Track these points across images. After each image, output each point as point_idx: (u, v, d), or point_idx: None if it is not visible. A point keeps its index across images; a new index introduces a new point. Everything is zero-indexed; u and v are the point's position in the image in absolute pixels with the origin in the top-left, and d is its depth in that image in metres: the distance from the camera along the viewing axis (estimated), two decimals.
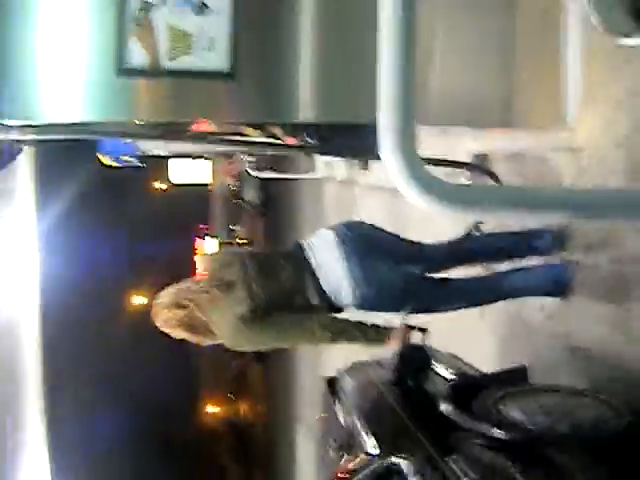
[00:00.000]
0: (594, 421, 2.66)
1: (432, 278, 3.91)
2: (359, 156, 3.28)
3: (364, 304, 3.64)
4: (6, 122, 3.10)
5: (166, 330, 3.70)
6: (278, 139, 3.45)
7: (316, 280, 3.61)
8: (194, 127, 3.53)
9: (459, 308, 3.88)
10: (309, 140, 3.30)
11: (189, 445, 41.25)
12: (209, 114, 3.13)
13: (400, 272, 3.78)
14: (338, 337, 3.55)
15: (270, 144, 3.46)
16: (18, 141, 3.87)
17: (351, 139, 3.18)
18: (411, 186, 2.05)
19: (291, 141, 3.38)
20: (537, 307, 4.24)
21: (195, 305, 3.61)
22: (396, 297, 3.63)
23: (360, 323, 3.57)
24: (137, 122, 3.33)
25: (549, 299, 4.03)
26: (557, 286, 3.88)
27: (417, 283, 3.80)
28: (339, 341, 3.56)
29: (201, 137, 3.63)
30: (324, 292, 3.61)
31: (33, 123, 3.15)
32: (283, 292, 3.61)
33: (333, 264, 3.61)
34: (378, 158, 2.18)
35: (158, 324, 3.70)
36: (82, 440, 26.35)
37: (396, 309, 3.60)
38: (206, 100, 3.07)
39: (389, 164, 2.06)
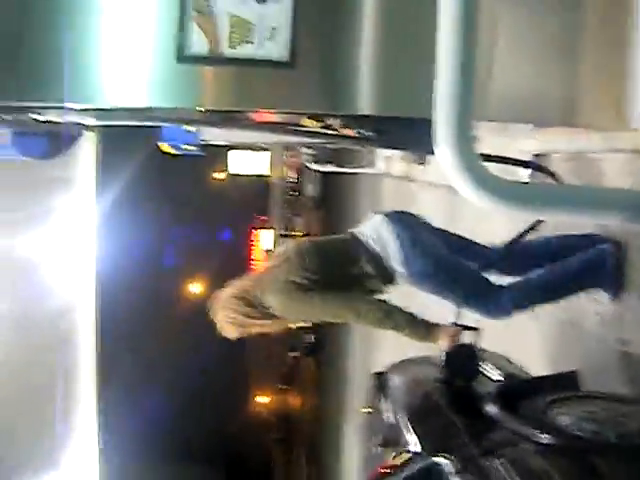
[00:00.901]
0: None
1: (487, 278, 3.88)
2: (416, 150, 3.23)
3: (416, 273, 3.69)
4: (66, 105, 3.13)
5: (224, 328, 3.79)
6: (335, 131, 3.43)
7: (369, 250, 3.72)
8: (254, 116, 3.53)
9: (510, 309, 3.83)
10: (365, 132, 3.28)
11: (238, 435, 41.62)
12: (267, 103, 3.13)
13: (454, 256, 3.81)
14: (385, 320, 3.56)
15: (327, 134, 3.44)
16: (78, 124, 3.91)
17: (408, 133, 3.14)
18: (463, 180, 2.03)
19: (348, 133, 3.36)
20: (591, 312, 4.16)
21: (252, 285, 3.74)
22: (450, 273, 3.70)
23: (411, 314, 3.58)
24: (197, 109, 3.34)
25: (604, 301, 3.95)
26: (604, 270, 3.81)
27: (471, 272, 3.80)
28: (386, 325, 3.58)
29: (260, 126, 3.63)
30: (377, 258, 3.70)
31: (93, 107, 3.18)
32: (335, 263, 3.75)
33: (386, 237, 3.71)
34: (433, 153, 2.17)
35: (217, 321, 3.79)
36: (132, 425, 26.72)
37: (449, 289, 3.67)
38: (265, 89, 3.07)
39: (442, 158, 2.04)
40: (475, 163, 2.04)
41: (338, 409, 20.22)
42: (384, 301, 3.69)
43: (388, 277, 3.74)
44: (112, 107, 3.15)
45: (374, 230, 3.81)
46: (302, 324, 3.93)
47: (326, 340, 28.77)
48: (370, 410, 4.39)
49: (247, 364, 42.43)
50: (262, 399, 48.65)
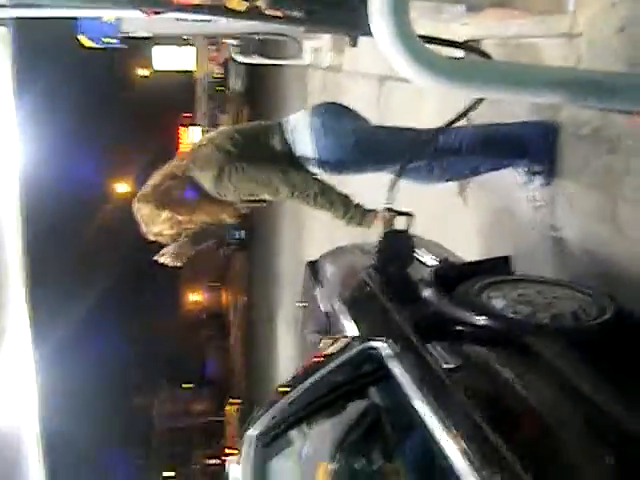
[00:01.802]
0: (575, 312, 2.62)
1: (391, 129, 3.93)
2: (348, 31, 3.12)
3: (327, 162, 3.69)
4: None
5: (147, 222, 3.68)
6: (263, 12, 3.28)
7: (284, 138, 3.72)
8: None
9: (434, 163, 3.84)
10: (296, 13, 3.15)
11: (173, 333, 41.99)
12: None
13: (360, 127, 3.81)
14: (322, 198, 3.55)
15: (254, 16, 3.30)
16: None
17: (340, 12, 3.03)
18: (401, 56, 1.94)
19: (276, 14, 3.21)
20: (523, 199, 4.17)
21: (179, 165, 3.68)
22: (357, 147, 3.69)
23: (346, 197, 3.56)
24: None
25: (536, 188, 3.97)
26: (541, 141, 3.82)
27: (375, 133, 3.81)
28: (322, 203, 3.56)
29: (186, 8, 3.46)
30: (289, 147, 3.71)
31: None
32: (259, 144, 3.70)
33: (301, 128, 3.71)
34: (367, 33, 2.06)
35: (141, 216, 3.68)
36: (64, 332, 26.65)
37: (358, 164, 3.71)
38: None
39: (379, 33, 1.94)
40: (412, 38, 1.94)
41: (269, 303, 20.44)
42: (320, 180, 3.66)
43: (299, 165, 3.70)
44: None
45: (295, 120, 3.79)
46: (227, 214, 3.81)
47: (256, 235, 28.85)
48: (305, 303, 4.39)
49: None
50: (193, 297, 48.96)
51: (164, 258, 3.76)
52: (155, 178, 3.69)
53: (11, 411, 15.30)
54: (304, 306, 4.45)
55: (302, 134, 3.69)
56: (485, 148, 3.83)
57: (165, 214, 3.62)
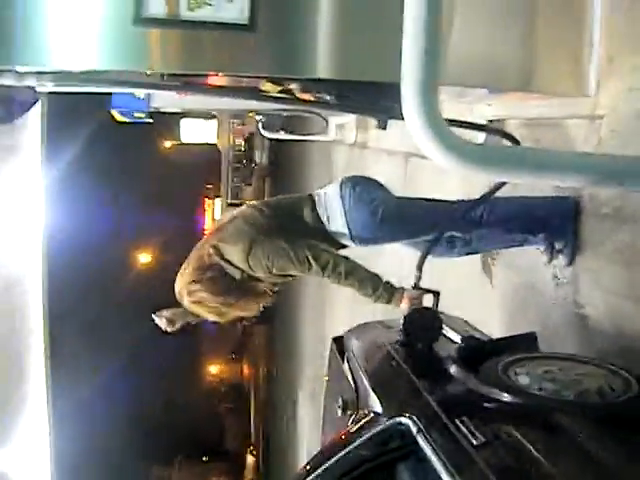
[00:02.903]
0: (601, 389, 2.65)
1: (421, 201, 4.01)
2: (378, 115, 3.22)
3: (359, 235, 3.76)
4: (18, 69, 3.06)
5: (195, 305, 3.72)
6: (295, 95, 3.40)
7: (315, 211, 3.78)
8: (209, 80, 3.48)
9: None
10: (325, 96, 3.26)
11: (192, 405, 41.62)
12: (226, 66, 3.08)
13: (390, 199, 3.89)
14: (350, 276, 3.58)
15: (287, 99, 3.41)
16: (32, 90, 3.83)
17: (370, 97, 3.14)
18: (432, 142, 2.02)
19: (307, 97, 3.33)
20: (549, 275, 4.22)
21: (209, 245, 3.69)
22: (389, 220, 3.76)
23: (375, 275, 3.60)
24: (149, 73, 3.28)
25: (559, 265, 4.02)
26: (562, 217, 3.89)
27: (412, 205, 3.89)
28: (350, 281, 3.59)
29: (217, 91, 3.58)
30: (320, 221, 3.77)
31: (45, 70, 3.10)
32: (290, 217, 3.77)
33: (331, 199, 3.78)
34: (397, 117, 2.15)
35: (186, 302, 3.72)
36: (83, 397, 26.53)
37: (389, 236, 3.79)
38: (224, 52, 3.02)
39: (409, 120, 2.03)
40: (442, 125, 2.03)
41: (290, 378, 20.31)
42: (348, 258, 3.71)
43: (330, 240, 3.78)
44: (65, 70, 3.08)
45: (325, 192, 3.87)
46: (269, 285, 3.84)
47: (277, 309, 28.81)
48: (329, 377, 4.41)
49: (198, 334, 42.35)
50: (213, 369, 48.69)
51: (159, 320, 3.77)
52: (189, 270, 3.73)
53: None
54: (329, 381, 4.48)
55: (333, 207, 3.75)
56: (507, 223, 3.91)
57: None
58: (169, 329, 3.80)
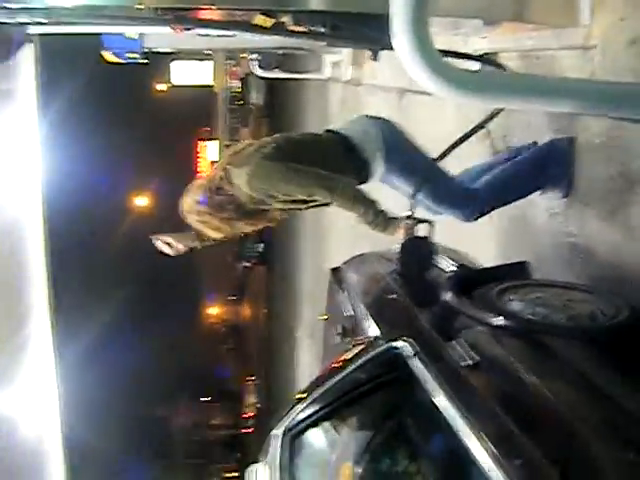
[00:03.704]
0: (591, 313, 2.71)
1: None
2: (370, 45, 3.23)
3: (395, 164, 3.80)
4: (10, 5, 3.05)
5: (197, 223, 3.73)
6: (287, 28, 3.40)
7: (348, 141, 3.78)
8: (200, 14, 3.47)
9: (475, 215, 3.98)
10: (319, 29, 3.26)
11: (193, 346, 41.98)
12: None
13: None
14: (357, 202, 3.59)
15: (280, 31, 3.41)
16: (22, 28, 3.81)
17: (362, 28, 3.14)
18: (421, 68, 2.05)
19: (300, 29, 3.33)
20: (542, 207, 4.28)
21: (221, 165, 3.72)
22: (425, 172, 3.81)
23: (374, 202, 3.62)
24: (139, 6, 3.26)
25: (553, 197, 4.08)
26: (558, 159, 3.96)
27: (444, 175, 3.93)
28: (356, 207, 3.59)
29: (211, 24, 3.58)
30: (355, 149, 3.77)
31: (37, 6, 3.09)
32: (309, 145, 3.77)
33: (369, 129, 3.81)
34: (389, 47, 2.17)
35: (190, 218, 3.72)
36: (86, 343, 26.75)
37: (422, 187, 3.77)
38: None
39: (399, 47, 2.05)
40: (432, 53, 2.05)
41: (290, 317, 20.47)
42: (356, 185, 3.73)
43: (363, 170, 3.80)
44: (54, 6, 3.07)
45: (355, 126, 3.88)
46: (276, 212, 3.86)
47: (275, 249, 28.90)
48: (328, 307, 4.49)
49: (197, 276, 42.51)
50: (213, 310, 48.99)
51: (161, 244, 3.82)
52: (198, 188, 3.73)
53: (33, 419, 15.41)
54: (325, 318, 4.55)
55: (368, 135, 3.79)
56: (512, 181, 4.03)
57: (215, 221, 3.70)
58: (172, 253, 3.84)
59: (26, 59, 12.51)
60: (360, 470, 2.86)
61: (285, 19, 3.41)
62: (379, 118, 3.97)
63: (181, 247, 3.83)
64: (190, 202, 3.69)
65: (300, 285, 18.30)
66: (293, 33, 3.40)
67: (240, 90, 33.40)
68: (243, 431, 41.24)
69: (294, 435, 3.23)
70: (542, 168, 4.00)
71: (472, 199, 3.97)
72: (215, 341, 47.52)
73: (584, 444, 2.03)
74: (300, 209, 3.91)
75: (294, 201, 3.74)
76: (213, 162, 31.29)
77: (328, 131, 3.91)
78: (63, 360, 17.59)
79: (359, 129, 3.83)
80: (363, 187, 3.78)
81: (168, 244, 3.81)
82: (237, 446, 42.37)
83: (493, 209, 4.15)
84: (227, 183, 3.63)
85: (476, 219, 4.01)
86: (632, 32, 3.40)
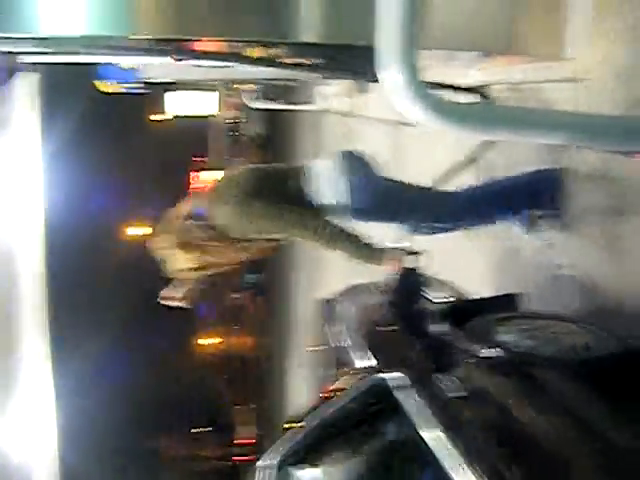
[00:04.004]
0: (579, 346, 2.72)
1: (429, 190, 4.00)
2: (359, 78, 3.26)
3: (358, 209, 3.75)
4: (2, 34, 3.06)
5: (166, 250, 3.70)
6: (279, 60, 3.43)
7: (311, 184, 3.75)
8: (195, 45, 3.50)
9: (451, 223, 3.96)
10: (310, 61, 3.29)
11: (185, 375, 41.74)
12: (210, 30, 3.11)
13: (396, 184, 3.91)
14: (335, 239, 3.59)
15: (271, 63, 3.44)
16: (17, 58, 3.83)
17: (352, 61, 3.17)
18: (408, 101, 2.06)
19: (291, 61, 3.36)
20: (531, 238, 4.28)
21: (196, 202, 3.75)
22: (392, 199, 3.81)
23: (357, 237, 3.63)
24: (134, 37, 3.28)
25: (542, 229, 4.09)
26: (546, 188, 3.96)
27: (413, 196, 3.89)
28: (335, 244, 3.60)
29: (202, 55, 3.60)
30: (317, 193, 3.74)
31: (31, 35, 3.11)
32: (279, 186, 3.73)
33: (333, 174, 3.76)
34: (375, 80, 2.19)
35: (157, 249, 3.71)
36: (82, 371, 26.63)
37: (392, 216, 3.78)
38: (208, 16, 3.05)
39: (385, 81, 2.06)
40: (419, 84, 2.07)
41: (285, 347, 20.40)
42: (332, 222, 3.72)
43: (315, 208, 3.76)
44: (47, 36, 3.08)
45: (322, 165, 3.86)
46: (248, 252, 3.83)
47: (271, 279, 28.87)
48: (316, 348, 4.47)
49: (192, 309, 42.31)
50: (208, 341, 48.79)
51: (172, 301, 3.77)
52: (171, 215, 3.74)
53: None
54: (315, 349, 4.53)
55: (325, 180, 3.76)
56: (494, 202, 3.99)
57: (184, 252, 3.66)
58: (187, 305, 3.79)
59: (25, 87, 12.61)
60: None
61: (277, 50, 3.44)
62: (347, 155, 3.93)
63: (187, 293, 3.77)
64: (166, 231, 3.70)
65: (296, 315, 18.25)
66: (284, 65, 3.43)
67: (236, 121, 33.56)
68: (235, 460, 40.87)
69: (280, 467, 3.20)
70: (527, 192, 3.99)
71: (447, 219, 3.97)
72: (210, 370, 47.26)
73: (572, 477, 2.02)
74: (281, 241, 3.92)
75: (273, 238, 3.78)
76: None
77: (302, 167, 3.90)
78: (58, 387, 17.51)
79: (320, 175, 3.80)
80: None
81: (173, 297, 3.77)
82: (231, 477, 41.99)
83: (470, 225, 4.16)
84: (207, 217, 3.64)
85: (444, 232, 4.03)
86: (617, 65, 3.44)
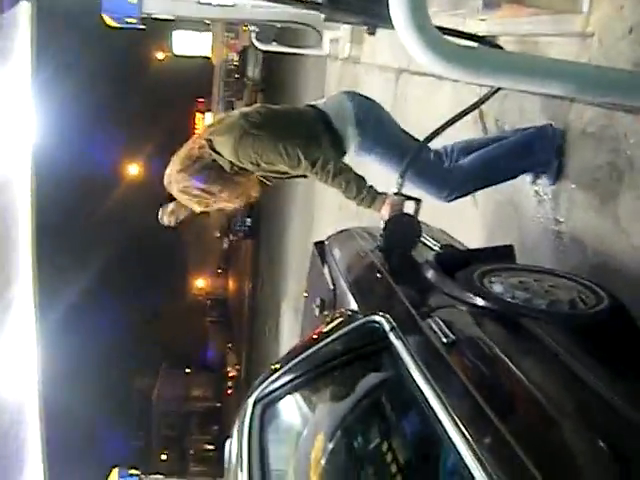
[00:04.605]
0: (572, 301, 2.71)
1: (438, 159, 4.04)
2: (368, 19, 3.21)
3: (369, 139, 3.82)
4: None
5: (181, 194, 3.72)
6: None
7: (325, 117, 3.82)
8: None
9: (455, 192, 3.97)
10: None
11: (177, 318, 42.05)
12: None
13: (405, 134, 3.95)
14: (340, 177, 3.59)
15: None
16: None
17: (362, 1, 3.12)
18: (417, 42, 2.03)
19: None
20: (531, 193, 4.28)
21: (202, 134, 3.74)
22: (399, 148, 3.83)
23: (360, 178, 3.62)
24: None
25: (541, 183, 4.09)
26: (547, 143, 3.96)
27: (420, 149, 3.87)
28: (339, 182, 3.59)
29: None
30: (331, 125, 3.80)
31: None
32: (289, 125, 3.76)
33: (344, 106, 3.85)
34: (386, 22, 2.15)
35: (174, 190, 3.72)
36: (70, 310, 26.74)
37: (398, 162, 3.75)
38: None
39: (398, 22, 2.04)
40: (428, 27, 2.04)
41: (276, 292, 20.51)
42: (339, 159, 3.76)
43: (339, 144, 3.81)
44: None
45: (332, 101, 3.93)
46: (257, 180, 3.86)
47: (263, 223, 28.91)
48: (309, 280, 4.49)
49: (184, 248, 42.52)
50: (199, 283, 49.07)
51: (163, 213, 3.82)
52: (178, 159, 3.72)
53: (13, 384, 15.42)
54: (310, 282, 4.54)
55: (342, 107, 3.83)
56: (494, 156, 3.97)
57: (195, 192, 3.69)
58: (172, 222, 3.84)
59: (23, 17, 12.42)
60: (333, 445, 2.85)
61: None
62: (357, 94, 4.01)
63: (180, 215, 3.83)
64: (172, 170, 3.69)
65: (287, 259, 18.32)
66: (291, 2, 3.37)
67: (237, 63, 33.29)
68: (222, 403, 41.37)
69: (265, 405, 3.22)
70: (529, 152, 3.99)
71: (452, 178, 3.97)
72: (200, 313, 47.60)
73: (556, 427, 2.03)
74: (282, 178, 3.92)
75: (276, 170, 3.77)
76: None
77: (309, 106, 3.93)
78: (45, 327, 17.60)
79: (335, 105, 3.87)
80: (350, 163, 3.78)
81: (171, 212, 3.81)
82: (216, 418, 42.54)
83: (475, 190, 4.15)
84: (208, 153, 3.64)
85: (454, 199, 4.02)
86: (630, 21, 3.39)
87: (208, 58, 29.86)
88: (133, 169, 37.90)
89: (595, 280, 2.93)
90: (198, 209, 3.80)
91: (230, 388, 41.60)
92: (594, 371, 2.25)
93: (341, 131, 3.80)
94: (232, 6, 8.81)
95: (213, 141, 3.65)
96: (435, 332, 2.45)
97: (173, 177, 3.70)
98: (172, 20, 12.20)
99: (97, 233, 34.19)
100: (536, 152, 3.97)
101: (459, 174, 3.97)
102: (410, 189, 3.68)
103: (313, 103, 3.96)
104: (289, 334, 15.07)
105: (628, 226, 3.39)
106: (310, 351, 3.02)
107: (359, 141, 3.84)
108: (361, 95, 4.02)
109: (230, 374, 42.96)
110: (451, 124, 3.70)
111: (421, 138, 3.80)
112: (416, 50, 2.04)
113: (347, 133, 3.81)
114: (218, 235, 43.02)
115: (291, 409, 3.26)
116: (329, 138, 3.77)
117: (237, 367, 40.81)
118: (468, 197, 4.30)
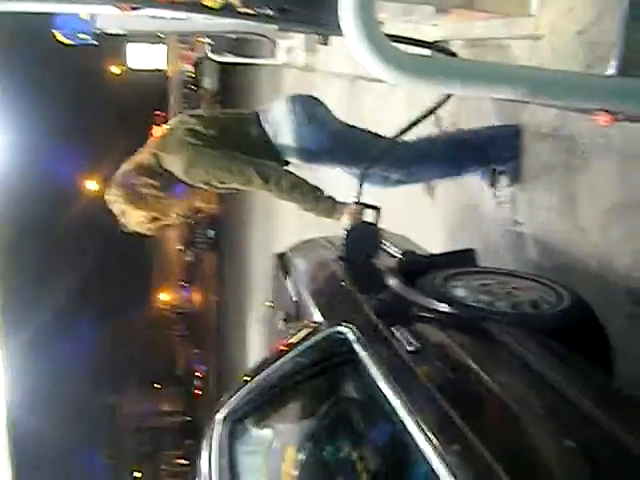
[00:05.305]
0: (534, 301, 2.74)
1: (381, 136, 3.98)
2: (319, 30, 3.21)
3: (308, 149, 3.76)
4: None
5: (119, 205, 3.65)
6: (236, 10, 3.36)
7: (261, 127, 3.78)
8: None
9: (407, 174, 3.95)
10: (268, 11, 3.23)
11: (143, 333, 41.72)
12: None
13: (335, 119, 3.91)
14: (293, 190, 3.57)
15: (228, 13, 3.37)
16: None
17: (311, 12, 3.11)
18: (368, 52, 2.03)
19: (248, 11, 3.29)
20: (489, 195, 4.30)
21: (149, 151, 3.67)
22: (347, 147, 3.81)
23: (317, 188, 3.61)
24: None
25: (500, 186, 4.11)
26: (504, 144, 3.97)
27: (365, 139, 3.87)
28: (293, 195, 3.57)
29: (160, 4, 3.52)
30: (267, 135, 3.76)
31: None
32: (232, 133, 3.73)
33: (281, 114, 3.78)
34: (337, 32, 2.15)
35: (112, 203, 3.66)
36: (34, 331, 26.43)
37: (346, 164, 3.77)
38: None
39: (349, 31, 2.03)
40: (379, 36, 2.03)
41: (240, 302, 20.45)
42: (292, 172, 3.71)
43: (273, 155, 3.77)
44: None
45: (274, 108, 3.86)
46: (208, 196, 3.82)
47: (226, 235, 28.81)
48: (272, 292, 4.46)
49: (148, 263, 42.23)
50: (163, 296, 48.73)
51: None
52: (124, 169, 3.68)
53: None
54: (270, 304, 4.52)
55: (281, 122, 3.75)
56: (452, 155, 3.97)
57: (134, 208, 3.62)
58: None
59: None
60: (303, 456, 2.84)
61: (234, 0, 3.37)
62: (301, 98, 3.95)
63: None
64: (113, 187, 3.64)
65: (251, 270, 18.26)
66: (242, 15, 3.35)
67: (194, 74, 33.24)
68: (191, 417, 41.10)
69: (234, 420, 3.20)
70: (485, 149, 3.99)
71: (402, 165, 3.96)
72: (165, 327, 47.28)
73: (523, 431, 2.04)
74: (237, 190, 3.88)
75: (227, 188, 3.75)
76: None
77: (254, 113, 3.90)
78: (10, 347, 17.37)
79: (277, 118, 3.81)
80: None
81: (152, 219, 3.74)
82: (188, 433, 42.24)
83: (421, 180, 4.15)
84: (158, 167, 3.59)
85: (398, 185, 4.02)
86: (580, 23, 3.43)
87: (164, 71, 29.70)
88: (93, 184, 37.55)
89: (557, 280, 2.95)
90: (149, 215, 3.70)
91: (199, 401, 41.32)
92: (559, 371, 2.26)
93: (280, 144, 3.77)
94: (185, 19, 8.76)
95: (160, 157, 3.62)
96: (399, 341, 2.44)
97: (112, 195, 3.64)
98: (125, 35, 12.11)
99: (60, 251, 33.83)
100: (491, 151, 3.99)
101: (411, 161, 3.97)
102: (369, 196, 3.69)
103: (257, 110, 3.93)
104: (256, 345, 15.02)
105: (587, 225, 3.42)
106: (276, 365, 3.00)
107: (303, 150, 3.79)
108: (306, 96, 4.00)
109: (199, 387, 42.70)
110: (407, 131, 3.70)
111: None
112: (367, 59, 2.03)
113: (282, 141, 3.77)
114: (181, 248, 42.95)
115: (260, 423, 3.23)
116: (270, 149, 3.76)
117: (206, 380, 40.60)
118: (427, 200, 4.32)
